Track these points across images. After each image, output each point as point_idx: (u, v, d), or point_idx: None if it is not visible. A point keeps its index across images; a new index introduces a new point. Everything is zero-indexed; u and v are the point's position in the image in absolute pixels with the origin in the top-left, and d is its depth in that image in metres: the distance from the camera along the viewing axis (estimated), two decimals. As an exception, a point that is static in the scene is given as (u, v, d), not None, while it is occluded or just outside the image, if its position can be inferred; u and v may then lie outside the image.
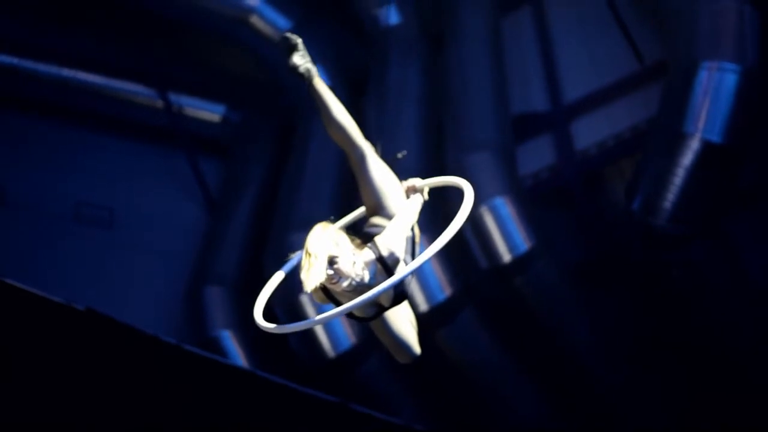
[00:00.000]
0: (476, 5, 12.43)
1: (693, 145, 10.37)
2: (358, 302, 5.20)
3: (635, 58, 12.10)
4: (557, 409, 11.57)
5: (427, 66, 12.50)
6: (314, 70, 5.57)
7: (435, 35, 12.71)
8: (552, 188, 12.25)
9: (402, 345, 5.60)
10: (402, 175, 5.66)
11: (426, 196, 5.67)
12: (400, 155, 5.90)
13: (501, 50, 12.35)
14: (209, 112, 13.35)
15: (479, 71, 11.96)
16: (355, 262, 5.30)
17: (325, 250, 5.25)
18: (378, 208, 5.57)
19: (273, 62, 12.80)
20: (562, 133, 12.33)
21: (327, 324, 11.24)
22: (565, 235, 12.01)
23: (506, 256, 11.18)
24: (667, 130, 10.61)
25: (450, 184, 5.71)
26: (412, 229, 5.60)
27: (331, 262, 5.26)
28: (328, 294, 5.41)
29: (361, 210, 5.81)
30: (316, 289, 5.37)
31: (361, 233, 5.48)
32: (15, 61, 12.88)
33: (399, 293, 5.48)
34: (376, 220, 5.54)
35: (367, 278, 5.34)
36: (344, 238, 5.35)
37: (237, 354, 11.82)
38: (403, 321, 5.61)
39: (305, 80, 5.57)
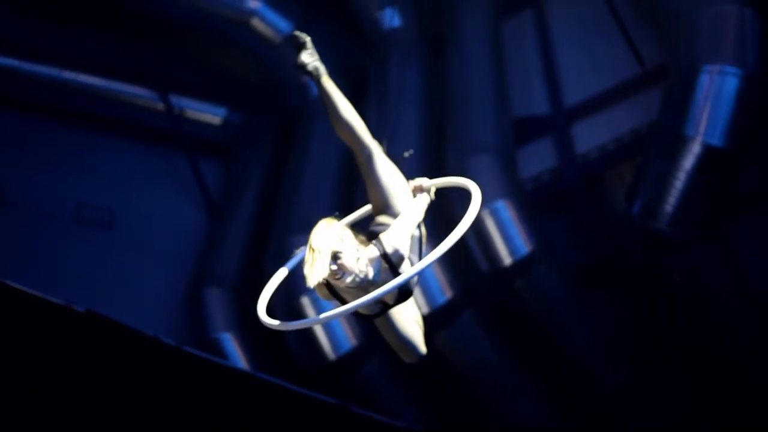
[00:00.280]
0: (477, 8, 12.43)
1: (694, 149, 10.37)
2: (364, 301, 5.19)
3: (636, 61, 12.10)
4: (558, 411, 11.57)
5: (428, 68, 12.50)
6: (322, 69, 5.58)
7: (435, 38, 12.71)
8: (553, 191, 12.24)
9: (407, 344, 5.60)
10: (404, 177, 5.66)
11: (433, 196, 5.67)
12: (407, 154, 5.90)
13: (502, 53, 12.36)
14: (210, 114, 13.34)
15: (480, 74, 11.96)
16: (359, 258, 5.29)
17: (329, 246, 5.24)
18: (384, 207, 5.57)
19: (273, 64, 12.80)
20: (563, 137, 12.33)
21: (327, 326, 11.24)
22: (566, 238, 12.01)
23: (507, 259, 11.17)
24: (668, 134, 10.61)
25: (457, 184, 5.70)
26: (420, 229, 5.60)
27: (335, 257, 5.25)
28: (332, 291, 5.40)
29: (366, 208, 5.80)
30: (320, 286, 5.37)
31: (366, 232, 5.48)
32: (15, 62, 12.88)
33: (403, 291, 5.47)
34: (382, 219, 5.54)
35: (371, 275, 5.33)
36: (349, 234, 5.34)
37: (237, 356, 11.81)
38: (408, 320, 5.61)
39: (313, 78, 5.57)
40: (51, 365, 7.52)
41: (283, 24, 12.60)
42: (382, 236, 5.36)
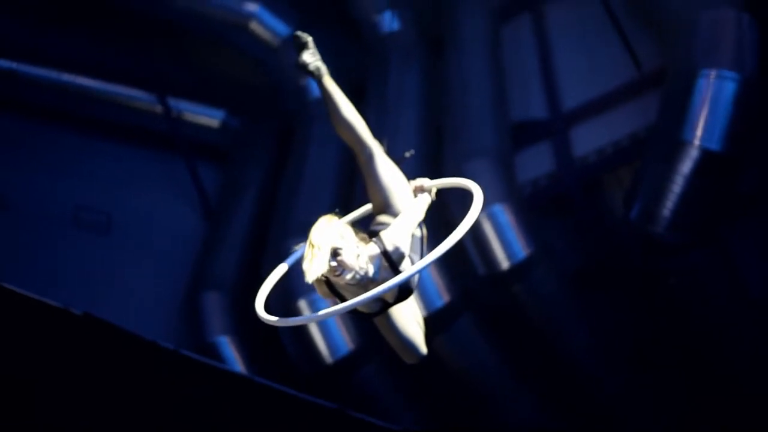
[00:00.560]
0: (476, 11, 12.45)
1: (692, 153, 10.37)
2: (364, 298, 5.18)
3: (634, 65, 12.11)
4: (556, 415, 11.57)
5: (427, 72, 12.51)
6: (324, 68, 5.58)
7: (434, 41, 12.72)
8: (551, 195, 12.25)
9: (408, 344, 5.59)
10: (405, 177, 5.66)
11: (434, 197, 5.67)
12: (407, 154, 5.90)
13: (500, 57, 12.37)
14: (208, 117, 13.35)
15: (478, 78, 11.97)
16: (359, 255, 5.29)
17: (329, 242, 5.24)
18: (385, 206, 5.57)
19: (272, 68, 12.81)
20: (561, 141, 12.34)
21: (325, 330, 11.24)
22: (564, 242, 12.01)
23: (505, 263, 11.17)
24: (665, 138, 10.61)
25: (458, 185, 5.70)
26: (421, 229, 5.60)
27: (335, 253, 5.25)
28: (332, 288, 5.40)
29: (366, 207, 5.79)
30: (319, 283, 5.36)
31: (366, 230, 5.48)
32: (14, 65, 12.88)
33: (404, 290, 5.47)
34: (383, 218, 5.54)
35: (371, 272, 5.33)
36: (349, 230, 5.34)
37: (234, 360, 11.80)
38: (409, 319, 5.60)
39: (315, 78, 5.58)
40: (48, 368, 7.52)
41: (281, 27, 12.61)
42: (382, 234, 5.36)
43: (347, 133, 5.61)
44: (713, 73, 10.40)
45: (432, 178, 5.69)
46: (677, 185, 10.47)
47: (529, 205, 11.70)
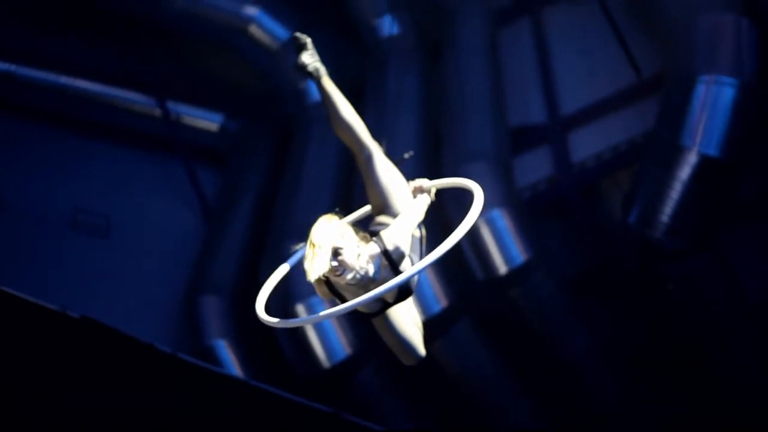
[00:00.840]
0: (474, 16, 12.45)
1: (690, 159, 10.37)
2: (365, 299, 5.18)
3: (633, 70, 12.11)
4: (554, 420, 11.57)
5: (425, 76, 12.52)
6: (323, 69, 5.58)
7: (433, 45, 12.72)
8: (549, 200, 12.24)
9: (406, 345, 5.59)
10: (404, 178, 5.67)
11: (433, 197, 5.67)
12: (407, 155, 5.91)
13: (499, 61, 12.37)
14: (207, 121, 13.35)
15: (477, 82, 11.97)
16: (359, 255, 5.28)
17: (330, 241, 5.23)
18: (384, 207, 5.57)
19: (271, 71, 12.81)
20: (560, 145, 12.34)
21: (322, 334, 11.24)
22: (562, 246, 12.01)
23: (502, 268, 11.18)
24: (664, 144, 10.61)
25: (458, 185, 5.70)
26: (420, 230, 5.60)
27: (336, 253, 5.25)
28: (331, 289, 5.39)
29: (366, 208, 5.79)
30: (319, 283, 5.36)
31: (366, 231, 5.48)
32: (13, 68, 12.89)
33: (403, 290, 5.46)
34: (382, 218, 5.54)
35: (371, 272, 5.32)
36: (349, 230, 5.34)
37: (232, 363, 11.80)
38: (407, 320, 5.60)
39: (314, 79, 5.58)
40: (45, 371, 7.51)
41: (280, 31, 12.62)
42: (383, 233, 5.36)
43: (346, 134, 5.62)
44: (712, 79, 10.40)
45: (431, 180, 5.71)
46: (675, 191, 10.47)
47: (528, 210, 11.70)
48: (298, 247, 5.62)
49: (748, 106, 10.46)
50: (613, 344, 11.58)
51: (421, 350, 5.64)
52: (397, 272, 5.34)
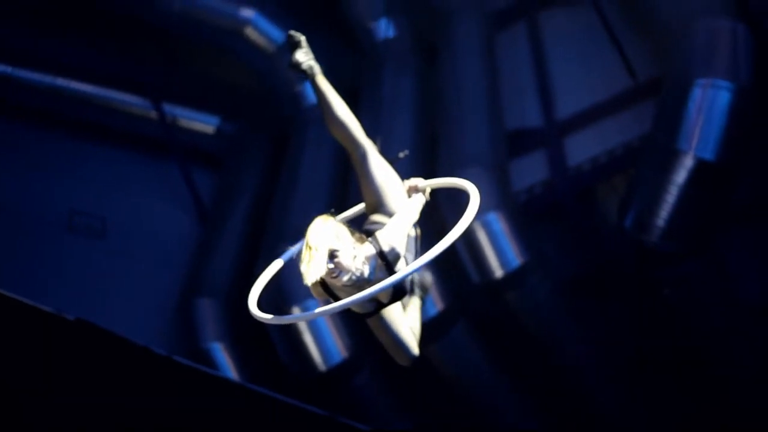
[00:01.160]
0: (470, 19, 12.45)
1: (686, 163, 10.38)
2: (358, 298, 5.18)
3: (629, 74, 12.12)
4: (550, 423, 11.57)
5: (421, 80, 12.51)
6: (317, 68, 5.59)
7: (429, 49, 12.72)
8: (545, 204, 12.25)
9: (400, 345, 5.59)
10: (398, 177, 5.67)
11: (428, 197, 5.67)
12: (401, 154, 5.92)
13: (495, 65, 12.37)
14: (203, 123, 13.34)
15: (473, 86, 11.97)
16: (355, 256, 5.28)
17: (326, 243, 5.23)
18: (378, 205, 5.57)
19: (267, 74, 12.80)
20: (556, 149, 12.34)
21: (318, 337, 11.23)
22: (558, 250, 12.01)
23: (498, 272, 11.18)
24: (660, 147, 10.61)
25: (453, 185, 5.71)
26: (415, 229, 5.60)
27: (332, 255, 5.24)
28: (326, 289, 5.39)
29: (360, 207, 5.79)
30: (315, 284, 5.35)
31: (361, 230, 5.47)
32: (8, 69, 12.87)
33: (398, 290, 5.46)
34: (376, 217, 5.54)
35: (366, 273, 5.32)
36: (345, 231, 5.33)
37: (227, 366, 11.80)
38: (402, 320, 5.60)
39: (308, 77, 5.58)
40: (40, 374, 7.50)
41: (276, 33, 12.61)
42: (378, 234, 5.35)
43: (341, 132, 5.62)
44: (708, 83, 10.41)
45: (426, 179, 5.71)
46: (671, 194, 10.48)
47: (524, 213, 11.70)
48: (292, 247, 5.63)
49: (744, 110, 10.47)
50: (609, 347, 11.58)
51: (415, 350, 5.64)
52: (393, 273, 5.35)
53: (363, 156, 5.61)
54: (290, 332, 11.29)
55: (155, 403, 7.78)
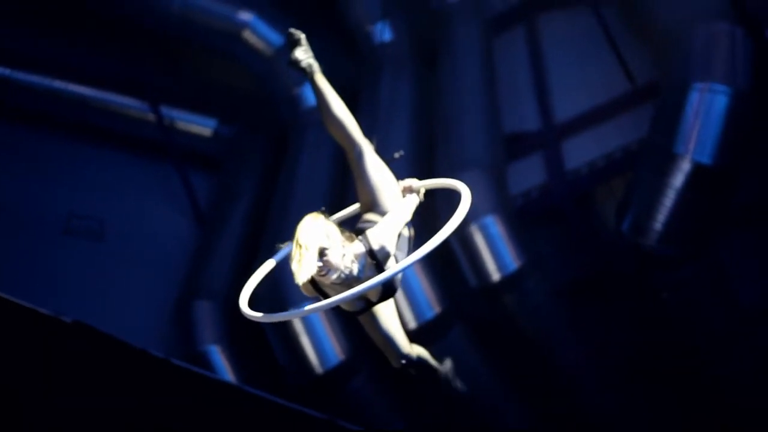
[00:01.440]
0: (469, 23, 12.46)
1: (683, 167, 10.38)
2: (346, 296, 5.19)
3: (626, 78, 12.13)
4: (547, 427, 11.56)
5: (419, 83, 12.52)
6: (316, 66, 5.62)
7: (427, 52, 12.73)
8: (542, 207, 12.26)
9: (390, 343, 5.60)
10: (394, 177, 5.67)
11: (422, 197, 5.69)
12: (397, 155, 5.94)
13: (493, 69, 12.38)
14: (201, 126, 13.35)
15: (471, 89, 11.99)
16: (344, 255, 5.29)
17: (316, 242, 5.24)
18: (372, 204, 5.59)
19: (265, 76, 12.81)
20: (553, 153, 12.35)
21: (315, 340, 11.23)
22: (555, 254, 12.02)
23: (495, 275, 11.18)
24: (657, 151, 10.62)
25: (447, 186, 5.72)
26: (409, 230, 5.60)
27: (322, 254, 5.25)
28: (316, 287, 5.40)
29: (355, 206, 5.81)
30: (305, 282, 5.36)
31: (353, 229, 5.48)
32: (6, 71, 12.87)
33: (387, 288, 5.47)
34: (369, 216, 5.55)
35: (356, 271, 5.33)
36: (335, 229, 5.34)
37: (225, 369, 11.80)
38: (394, 321, 5.61)
39: (307, 75, 5.61)
40: (37, 377, 7.50)
41: (274, 36, 12.62)
42: (368, 233, 5.37)
43: (338, 130, 5.65)
44: (706, 87, 10.42)
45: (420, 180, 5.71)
46: (669, 198, 10.49)
47: (521, 217, 11.71)
48: (283, 245, 5.63)
49: (741, 114, 10.48)
50: (607, 350, 11.58)
51: (406, 349, 5.65)
52: (382, 271, 5.36)
53: (359, 155, 5.64)
54: (287, 335, 11.29)
55: (152, 405, 7.78)
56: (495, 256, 11.16)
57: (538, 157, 12.43)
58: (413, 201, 5.67)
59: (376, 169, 5.65)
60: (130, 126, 13.25)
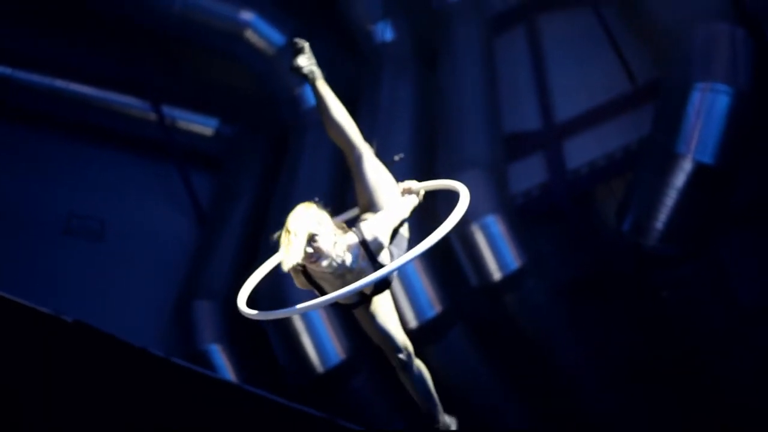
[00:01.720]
0: (470, 23, 12.46)
1: (685, 166, 10.39)
2: (343, 292, 5.19)
3: (628, 78, 12.13)
4: (547, 427, 11.56)
5: (420, 83, 12.52)
6: (318, 72, 5.64)
7: (428, 52, 12.73)
8: (543, 207, 12.26)
9: (386, 337, 5.60)
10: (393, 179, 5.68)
11: (421, 199, 5.70)
12: (397, 158, 5.96)
13: (494, 69, 12.38)
14: (202, 126, 13.35)
15: (472, 89, 11.99)
16: (336, 243, 5.28)
17: (305, 228, 5.24)
18: (371, 206, 5.61)
19: (266, 76, 12.81)
20: (554, 152, 12.35)
21: (316, 339, 11.23)
22: (556, 253, 12.02)
23: (496, 274, 11.18)
24: (659, 151, 10.63)
25: (446, 187, 5.74)
26: (408, 230, 5.61)
27: (311, 239, 5.25)
28: (309, 279, 5.39)
29: (355, 210, 5.82)
30: (296, 273, 5.36)
31: (351, 227, 5.49)
32: (8, 71, 12.87)
33: (381, 282, 5.46)
34: (367, 215, 5.56)
35: (348, 261, 5.33)
36: (326, 217, 5.35)
37: (225, 368, 11.79)
38: (390, 315, 5.61)
39: (309, 81, 5.64)
40: (38, 376, 7.50)
41: (276, 36, 12.62)
42: (362, 224, 5.38)
43: (338, 135, 5.67)
44: (707, 87, 10.43)
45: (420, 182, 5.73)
46: (670, 198, 10.49)
47: (522, 216, 11.71)
48: (276, 235, 5.63)
49: (742, 113, 10.49)
50: (607, 350, 11.58)
51: (401, 341, 5.64)
52: (375, 263, 5.35)
53: (359, 158, 5.66)
54: (288, 334, 11.29)
55: (153, 404, 7.78)
56: (496, 256, 11.16)
57: (539, 157, 12.43)
58: (411, 201, 5.68)
59: (375, 172, 5.67)
60: (131, 126, 13.25)
